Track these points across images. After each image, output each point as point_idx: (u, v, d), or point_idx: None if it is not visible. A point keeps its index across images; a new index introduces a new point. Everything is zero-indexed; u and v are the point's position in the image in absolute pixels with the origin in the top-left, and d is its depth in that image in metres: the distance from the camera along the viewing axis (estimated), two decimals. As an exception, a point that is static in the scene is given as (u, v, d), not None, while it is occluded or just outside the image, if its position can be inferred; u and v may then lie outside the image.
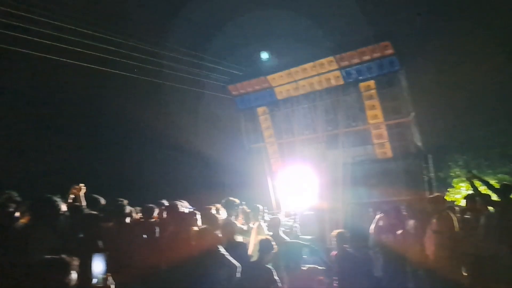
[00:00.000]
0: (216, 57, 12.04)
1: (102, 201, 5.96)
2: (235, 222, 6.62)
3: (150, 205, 5.78)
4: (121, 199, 5.61)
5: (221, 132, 12.41)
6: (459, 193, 15.27)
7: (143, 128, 10.94)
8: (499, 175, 14.32)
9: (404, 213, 7.30)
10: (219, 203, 7.20)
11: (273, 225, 6.69)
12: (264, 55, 10.41)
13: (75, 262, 2.43)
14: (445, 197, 8.01)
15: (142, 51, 9.83)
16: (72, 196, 5.61)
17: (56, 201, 4.38)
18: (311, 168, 10.55)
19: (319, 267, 5.03)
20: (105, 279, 2.99)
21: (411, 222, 7.13)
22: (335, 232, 5.74)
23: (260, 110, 11.96)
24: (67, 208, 4.75)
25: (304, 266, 5.00)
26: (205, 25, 12.44)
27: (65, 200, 4.88)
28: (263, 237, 5.60)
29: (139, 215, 5.63)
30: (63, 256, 2.45)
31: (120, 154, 10.72)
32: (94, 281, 2.95)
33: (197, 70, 11.43)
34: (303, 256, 5.31)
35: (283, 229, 7.00)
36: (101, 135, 10.68)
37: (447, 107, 12.14)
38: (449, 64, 10.81)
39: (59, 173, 8.44)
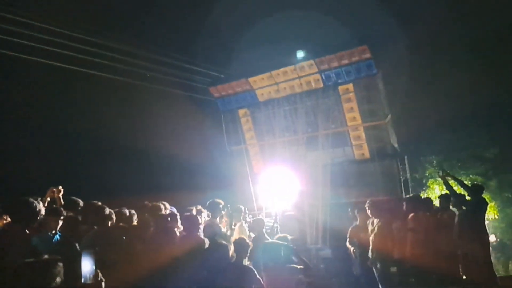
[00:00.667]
0: (197, 59, 12.01)
1: (81, 203, 5.81)
2: (219, 224, 6.62)
3: (127, 209, 5.64)
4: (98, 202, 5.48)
5: (202, 134, 12.34)
6: (433, 193, 15.63)
7: (122, 130, 10.76)
8: (471, 176, 14.73)
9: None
10: (200, 205, 7.20)
11: (257, 225, 6.68)
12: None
13: (59, 263, 2.36)
14: (421, 197, 8.14)
15: (119, 52, 9.66)
16: (49, 198, 5.46)
17: (33, 203, 4.27)
18: (291, 169, 10.59)
19: (298, 266, 5.03)
20: (95, 276, 2.94)
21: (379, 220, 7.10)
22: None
23: (241, 112, 11.98)
24: (45, 210, 4.64)
25: (283, 266, 4.99)
26: (186, 27, 12.38)
27: (43, 202, 4.76)
28: (238, 237, 5.59)
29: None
30: (46, 257, 2.38)
31: (99, 157, 10.52)
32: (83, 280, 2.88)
33: (178, 72, 11.34)
34: (282, 255, 5.28)
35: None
36: (77, 137, 10.45)
37: (421, 109, 12.43)
38: (423, 68, 11.08)
39: (36, 176, 8.23)
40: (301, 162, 10.79)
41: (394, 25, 9.30)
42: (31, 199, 4.41)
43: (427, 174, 16.17)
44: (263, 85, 11.23)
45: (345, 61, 9.71)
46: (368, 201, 7.01)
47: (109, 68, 9.49)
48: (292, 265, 5.08)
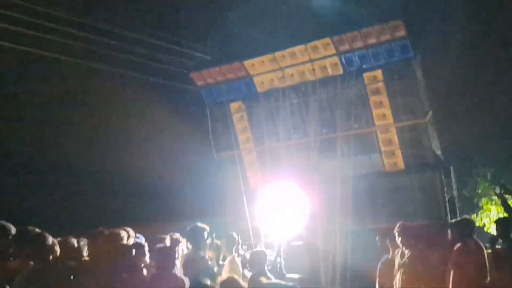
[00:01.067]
0: (176, 36, 11.92)
1: (13, 230, 5.68)
2: (204, 258, 6.57)
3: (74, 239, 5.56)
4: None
5: (180, 135, 12.23)
6: (488, 216, 15.61)
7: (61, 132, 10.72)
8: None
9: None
10: (176, 232, 7.14)
11: (257, 260, 6.56)
12: None
13: None
14: (473, 221, 8.15)
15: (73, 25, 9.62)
16: None
17: None
18: (300, 183, 10.53)
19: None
20: None
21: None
22: None
23: (234, 106, 11.96)
24: None
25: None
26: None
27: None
28: (227, 277, 5.51)
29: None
30: None
31: (36, 172, 10.42)
32: None
33: (150, 52, 11.25)
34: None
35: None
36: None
37: (472, 107, 12.37)
38: (477, 52, 11.03)
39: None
40: (313, 174, 10.76)
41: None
42: None
43: (479, 191, 16.17)
44: (264, 70, 11.20)
45: (373, 41, 9.66)
46: (398, 225, 7.00)
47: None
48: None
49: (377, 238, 7.84)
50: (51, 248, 4.89)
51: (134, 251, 5.62)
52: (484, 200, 16.09)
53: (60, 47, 9.47)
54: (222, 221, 9.68)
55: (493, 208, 15.88)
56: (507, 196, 7.84)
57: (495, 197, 15.75)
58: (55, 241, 5.06)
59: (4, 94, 9.84)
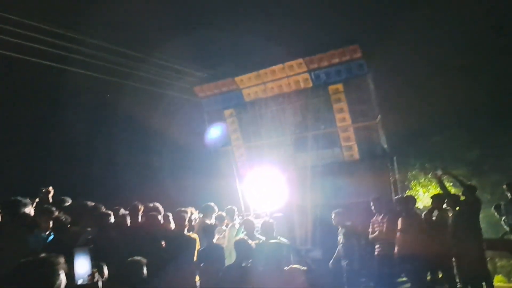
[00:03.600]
0: (182, 59, 11.75)
1: (68, 201, 5.75)
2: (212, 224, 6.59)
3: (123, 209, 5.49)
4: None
5: (187, 135, 12.04)
6: (416, 194, 15.87)
7: (108, 130, 10.39)
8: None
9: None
10: (186, 206, 7.05)
11: (248, 227, 6.62)
12: None
13: (62, 260, 2.15)
14: (414, 197, 8.23)
15: (106, 50, 9.39)
16: (37, 199, 5.42)
17: (24, 203, 4.25)
18: (279, 170, 10.47)
19: (301, 268, 4.89)
20: (92, 276, 2.70)
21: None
22: None
23: (227, 112, 11.69)
24: (36, 211, 4.56)
25: (285, 267, 4.84)
26: (172, 26, 12.11)
27: (32, 203, 4.62)
28: (238, 238, 5.47)
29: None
30: (50, 255, 2.17)
31: (86, 156, 10.10)
32: (80, 281, 2.65)
33: (161, 71, 11.07)
34: (284, 256, 5.16)
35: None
36: (65, 136, 10.00)
37: (407, 110, 12.54)
38: (412, 69, 11.21)
39: (22, 175, 7.82)
40: (289, 164, 10.65)
41: (385, 25, 9.33)
42: (22, 200, 4.26)
43: (409, 177, 16.42)
44: (250, 84, 10.96)
45: (336, 60, 9.55)
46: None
47: (86, 65, 9.18)
48: (295, 266, 4.94)
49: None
50: (106, 217, 4.76)
51: (162, 219, 5.49)
52: (413, 183, 16.36)
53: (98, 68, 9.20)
54: (219, 197, 9.55)
55: (420, 189, 16.16)
56: (445, 176, 7.93)
57: (421, 180, 16.08)
58: (109, 211, 4.93)
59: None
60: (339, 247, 7.62)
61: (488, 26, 11.06)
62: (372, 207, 7.47)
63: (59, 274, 2.08)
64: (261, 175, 10.75)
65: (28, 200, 4.53)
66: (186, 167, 11.44)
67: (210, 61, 12.26)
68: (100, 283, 2.72)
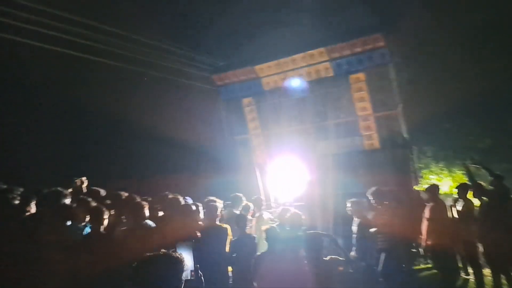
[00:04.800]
0: (201, 47, 11.61)
1: (103, 192, 5.74)
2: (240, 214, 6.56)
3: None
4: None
5: (205, 124, 11.96)
6: (428, 183, 15.79)
7: (129, 121, 10.33)
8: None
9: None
10: (207, 196, 7.04)
11: (281, 216, 6.56)
12: None
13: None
14: (438, 186, 8.16)
15: (124, 39, 9.26)
16: (71, 190, 5.40)
17: (64, 193, 4.27)
18: (299, 159, 10.44)
19: (340, 258, 4.90)
20: (196, 271, 2.69)
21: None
22: None
23: (245, 101, 11.65)
24: (72, 201, 4.57)
25: (325, 257, 4.85)
26: (191, 14, 11.93)
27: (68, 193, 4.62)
28: (267, 226, 5.45)
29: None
30: (172, 252, 2.16)
31: (108, 148, 10.06)
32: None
33: (180, 60, 10.94)
34: (323, 246, 5.16)
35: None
36: (87, 128, 9.95)
37: (425, 99, 12.38)
38: (434, 61, 11.02)
39: (47, 167, 7.80)
40: (309, 152, 10.61)
41: (409, 13, 9.14)
42: (63, 190, 4.27)
43: (421, 165, 16.33)
44: (270, 73, 10.91)
45: (358, 50, 9.47)
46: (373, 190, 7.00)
47: (112, 55, 9.10)
48: (335, 256, 4.95)
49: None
50: (141, 207, 4.73)
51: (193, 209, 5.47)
52: (424, 171, 16.28)
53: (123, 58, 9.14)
54: (238, 186, 9.49)
55: (432, 177, 16.08)
56: (474, 165, 7.85)
57: (434, 169, 15.99)
58: (144, 202, 4.89)
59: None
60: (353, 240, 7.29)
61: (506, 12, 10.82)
62: (372, 201, 7.07)
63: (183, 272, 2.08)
64: (281, 164, 10.74)
65: (67, 191, 4.55)
66: (204, 159, 11.37)
67: (228, 50, 12.08)
68: (203, 278, 2.70)
